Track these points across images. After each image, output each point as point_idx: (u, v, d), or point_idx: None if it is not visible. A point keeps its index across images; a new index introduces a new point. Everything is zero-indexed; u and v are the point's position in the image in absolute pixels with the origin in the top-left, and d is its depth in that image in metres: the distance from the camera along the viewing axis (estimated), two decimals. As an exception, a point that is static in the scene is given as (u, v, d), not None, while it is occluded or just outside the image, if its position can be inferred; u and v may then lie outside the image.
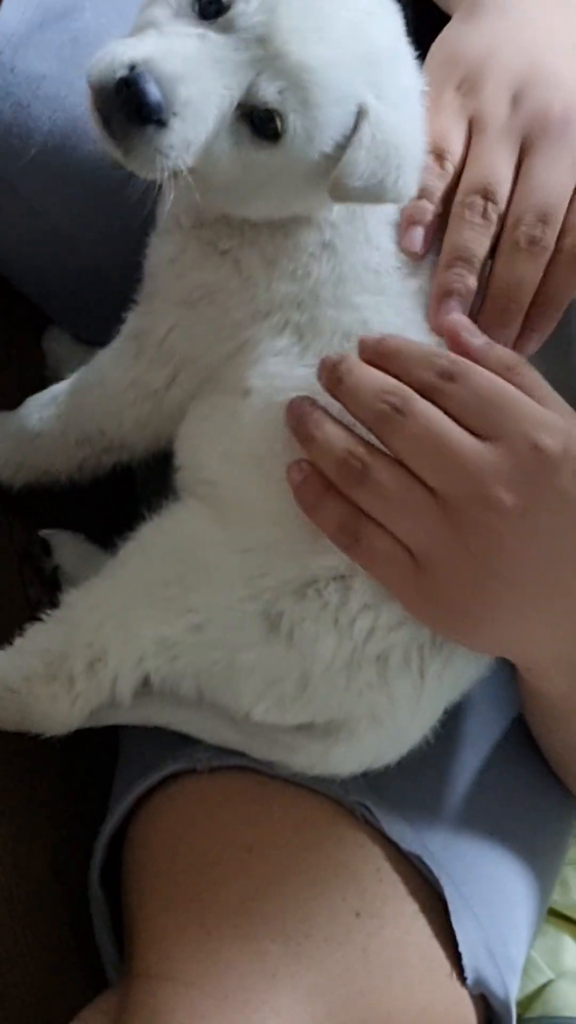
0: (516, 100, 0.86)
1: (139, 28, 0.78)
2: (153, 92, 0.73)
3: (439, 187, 0.85)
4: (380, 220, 0.86)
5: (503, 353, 0.80)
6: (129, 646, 0.86)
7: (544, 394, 0.80)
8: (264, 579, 0.83)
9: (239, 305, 0.86)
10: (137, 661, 0.86)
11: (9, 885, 0.93)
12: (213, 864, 0.87)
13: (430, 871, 0.88)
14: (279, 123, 0.77)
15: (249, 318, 0.85)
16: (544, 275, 0.83)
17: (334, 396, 0.81)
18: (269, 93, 0.76)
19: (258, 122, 0.77)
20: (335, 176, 0.78)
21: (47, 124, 0.96)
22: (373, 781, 0.90)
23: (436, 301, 0.83)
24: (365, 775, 0.89)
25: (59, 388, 0.97)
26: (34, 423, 0.97)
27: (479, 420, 0.77)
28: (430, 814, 0.92)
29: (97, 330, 0.97)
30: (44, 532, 1.02)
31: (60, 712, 0.88)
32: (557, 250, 0.83)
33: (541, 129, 0.85)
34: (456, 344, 0.81)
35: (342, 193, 0.79)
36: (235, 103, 0.76)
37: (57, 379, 1.03)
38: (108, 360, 0.93)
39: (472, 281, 0.82)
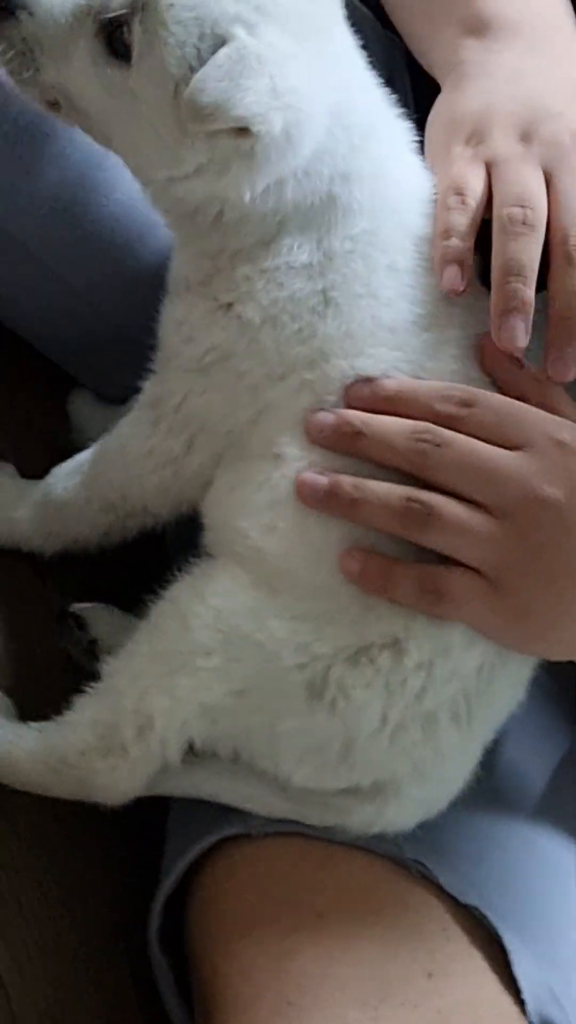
0: (525, 137, 0.87)
1: None
2: None
3: (463, 222, 0.84)
4: (383, 270, 0.85)
5: (529, 369, 0.84)
6: (173, 711, 0.86)
7: (568, 410, 0.85)
8: (315, 647, 0.83)
9: (252, 369, 0.86)
10: (181, 725, 0.87)
11: (71, 940, 0.95)
12: (287, 933, 0.87)
13: (490, 922, 0.89)
14: (127, 37, 0.79)
15: (265, 381, 0.86)
16: None
17: (353, 452, 0.82)
18: (119, 4, 0.79)
19: (112, 38, 0.80)
20: (187, 91, 0.77)
21: (55, 181, 0.99)
22: (423, 831, 0.90)
23: (496, 319, 0.82)
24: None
25: (82, 457, 0.99)
26: (59, 492, 0.99)
27: (503, 434, 0.82)
28: (482, 856, 0.93)
29: (122, 389, 0.99)
30: (76, 607, 1.03)
31: (120, 782, 0.89)
32: None
33: (559, 155, 0.86)
34: (493, 360, 0.84)
35: (192, 109, 0.77)
36: (93, 9, 0.80)
37: (82, 442, 1.05)
38: (127, 428, 0.94)
39: (529, 294, 0.82)
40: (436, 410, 0.82)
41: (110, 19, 0.79)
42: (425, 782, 0.87)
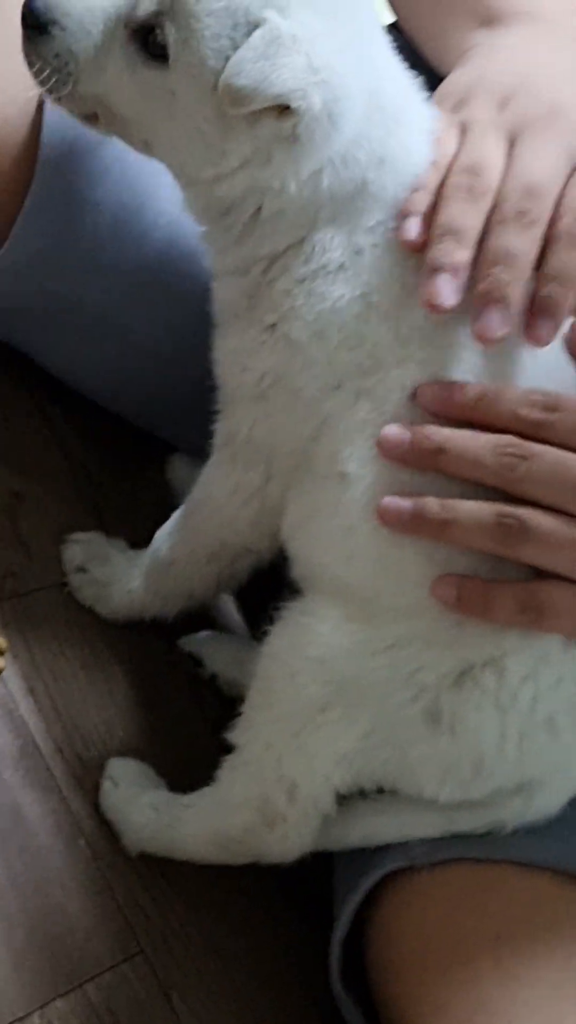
0: (502, 104, 0.85)
1: None
2: (38, 3, 0.80)
3: (433, 180, 0.82)
4: (412, 263, 0.82)
5: None
6: (313, 770, 0.87)
7: None
8: (421, 675, 0.82)
9: (307, 384, 0.85)
10: (324, 779, 0.87)
11: (255, 999, 0.94)
12: (469, 959, 0.85)
13: None
14: (161, 38, 0.79)
15: (320, 394, 0.84)
16: (546, 257, 0.80)
17: (434, 468, 0.80)
18: (148, 8, 0.79)
19: (145, 40, 0.79)
20: (223, 75, 0.76)
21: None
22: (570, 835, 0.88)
23: (423, 277, 0.79)
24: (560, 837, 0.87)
25: (178, 513, 0.99)
26: (165, 553, 1.00)
27: None
28: None
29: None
30: (182, 642, 1.04)
31: (288, 846, 0.91)
32: (555, 231, 0.80)
33: (527, 123, 0.83)
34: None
35: (231, 92, 0.76)
36: (122, 18, 0.80)
37: None
38: (209, 474, 0.95)
39: (461, 255, 0.79)
40: (521, 417, 0.79)
41: (141, 23, 0.79)
42: (564, 772, 0.86)
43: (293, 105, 0.76)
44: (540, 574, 0.80)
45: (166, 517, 1.03)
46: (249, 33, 0.76)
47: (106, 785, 0.97)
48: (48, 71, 0.82)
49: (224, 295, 0.89)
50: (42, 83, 0.82)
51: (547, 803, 0.87)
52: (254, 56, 0.75)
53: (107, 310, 1.05)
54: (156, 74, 0.80)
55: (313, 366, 0.84)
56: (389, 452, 0.81)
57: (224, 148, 0.80)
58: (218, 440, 0.92)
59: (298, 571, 0.89)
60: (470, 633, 0.81)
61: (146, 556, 1.02)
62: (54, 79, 0.82)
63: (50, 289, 1.03)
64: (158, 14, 0.78)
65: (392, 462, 0.81)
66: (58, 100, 0.84)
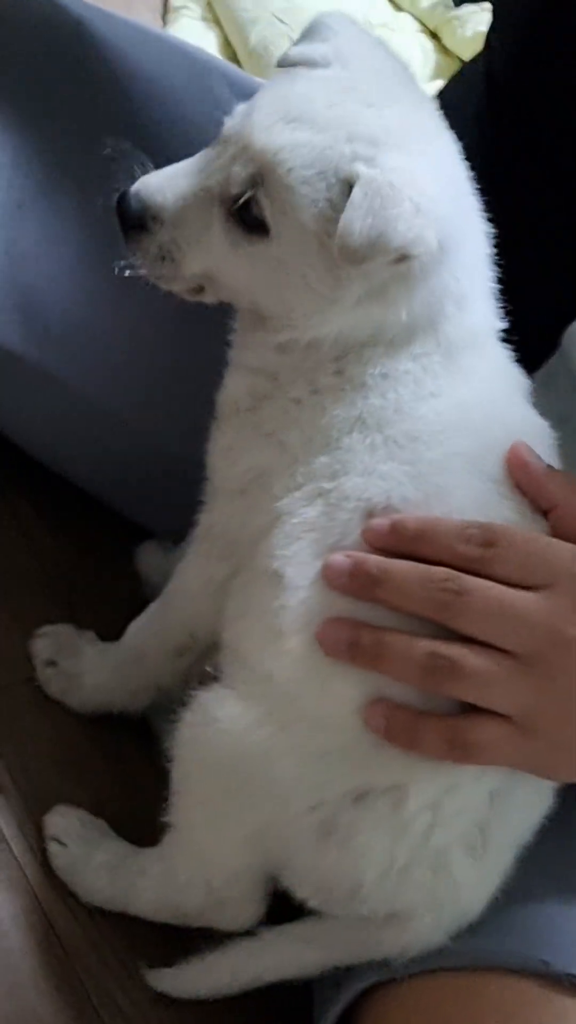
0: None
1: None
2: (131, 202, 0.83)
3: None
4: (425, 398, 0.83)
5: (562, 477, 0.82)
6: (230, 853, 0.87)
7: None
8: (325, 789, 0.81)
9: (280, 480, 0.85)
10: (242, 862, 0.88)
11: None
12: None
13: None
14: (257, 211, 0.80)
15: (284, 490, 0.85)
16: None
17: (371, 599, 0.79)
18: (238, 180, 0.80)
19: (244, 216, 0.81)
20: (336, 241, 0.77)
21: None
22: (566, 938, 0.86)
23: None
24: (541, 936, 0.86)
25: (152, 606, 0.99)
26: (136, 646, 0.99)
27: (527, 575, 0.79)
28: None
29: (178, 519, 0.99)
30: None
31: (243, 920, 0.91)
32: None
33: None
34: (521, 466, 0.81)
35: (348, 254, 0.77)
36: (218, 202, 0.82)
37: (155, 595, 1.03)
38: (185, 565, 0.94)
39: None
40: (457, 552, 0.79)
41: (235, 200, 0.81)
42: (442, 909, 0.84)
43: (413, 253, 0.78)
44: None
45: (137, 608, 1.02)
46: (344, 191, 0.77)
47: (53, 847, 0.96)
48: (155, 263, 0.84)
49: (234, 389, 0.89)
50: (151, 275, 0.85)
51: (419, 941, 0.84)
52: (361, 214, 0.76)
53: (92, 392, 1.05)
54: (259, 246, 0.81)
55: (294, 465, 0.84)
56: (331, 580, 0.80)
57: (335, 298, 0.81)
58: (198, 532, 0.92)
59: (225, 661, 0.88)
60: (384, 756, 0.80)
61: (117, 649, 1.01)
62: (158, 267, 0.85)
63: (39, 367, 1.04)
64: (251, 188, 0.80)
65: (334, 590, 0.80)
66: (167, 284, 0.86)
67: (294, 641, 0.82)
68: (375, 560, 0.79)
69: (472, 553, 0.79)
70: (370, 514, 0.81)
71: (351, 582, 0.80)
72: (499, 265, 0.87)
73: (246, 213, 0.81)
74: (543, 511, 0.82)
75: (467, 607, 0.78)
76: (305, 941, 0.89)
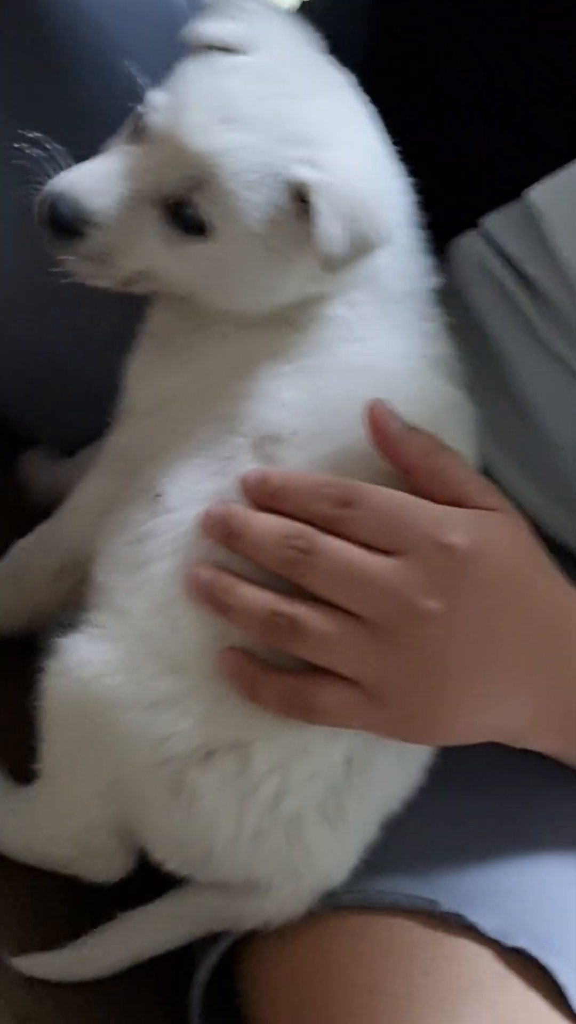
0: None
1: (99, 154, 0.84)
2: (63, 208, 0.81)
3: None
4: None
5: (423, 438, 0.80)
6: (88, 805, 0.87)
7: (462, 479, 0.81)
8: (170, 744, 0.81)
9: (187, 404, 0.86)
10: (98, 815, 0.87)
11: None
12: (343, 1013, 0.83)
13: (540, 960, 0.84)
14: (197, 214, 0.80)
15: (190, 414, 0.85)
16: None
17: (234, 550, 0.80)
18: (175, 187, 0.80)
19: (183, 218, 0.81)
20: (318, 254, 0.79)
21: None
22: (456, 879, 0.87)
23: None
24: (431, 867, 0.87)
25: (44, 524, 0.97)
26: (20, 561, 0.97)
27: (384, 538, 0.78)
28: (522, 890, 0.88)
29: (79, 435, 0.99)
30: None
31: (112, 872, 0.91)
32: None
33: None
34: (376, 426, 0.80)
35: (333, 264, 0.79)
36: (151, 204, 0.81)
37: (40, 504, 1.04)
38: (83, 482, 0.93)
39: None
40: (312, 509, 0.79)
41: (171, 202, 0.81)
42: (300, 879, 0.84)
43: (385, 244, 0.81)
44: None
45: (15, 526, 1.00)
46: (289, 193, 0.79)
47: None
48: (86, 265, 0.83)
49: (161, 323, 0.90)
50: (80, 275, 0.84)
51: (281, 910, 0.85)
52: (336, 224, 0.78)
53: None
54: (198, 246, 0.82)
55: (202, 391, 0.85)
56: (204, 527, 0.81)
57: (278, 285, 0.83)
58: (103, 452, 0.92)
59: (91, 601, 0.87)
60: (227, 710, 0.80)
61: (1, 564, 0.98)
62: (92, 268, 0.84)
63: None
64: (188, 192, 0.80)
65: (206, 536, 0.81)
66: (96, 282, 0.85)
67: (155, 568, 0.82)
68: (240, 511, 0.80)
69: (328, 512, 0.78)
70: (260, 443, 0.82)
71: (218, 530, 0.80)
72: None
73: (183, 214, 0.81)
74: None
75: (314, 566, 0.78)
76: (173, 917, 0.89)
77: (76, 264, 0.84)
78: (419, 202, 0.88)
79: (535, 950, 0.84)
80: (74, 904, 0.91)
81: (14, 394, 1.07)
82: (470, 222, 0.95)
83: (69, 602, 0.93)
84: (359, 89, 0.86)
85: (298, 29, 0.86)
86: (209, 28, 0.83)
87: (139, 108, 0.82)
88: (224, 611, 0.79)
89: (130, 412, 0.90)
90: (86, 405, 1.00)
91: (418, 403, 0.83)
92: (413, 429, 0.80)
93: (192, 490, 0.82)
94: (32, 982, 0.90)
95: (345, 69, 0.86)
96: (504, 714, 0.83)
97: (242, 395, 0.83)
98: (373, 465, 0.80)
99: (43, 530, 0.96)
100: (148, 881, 0.90)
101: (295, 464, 0.82)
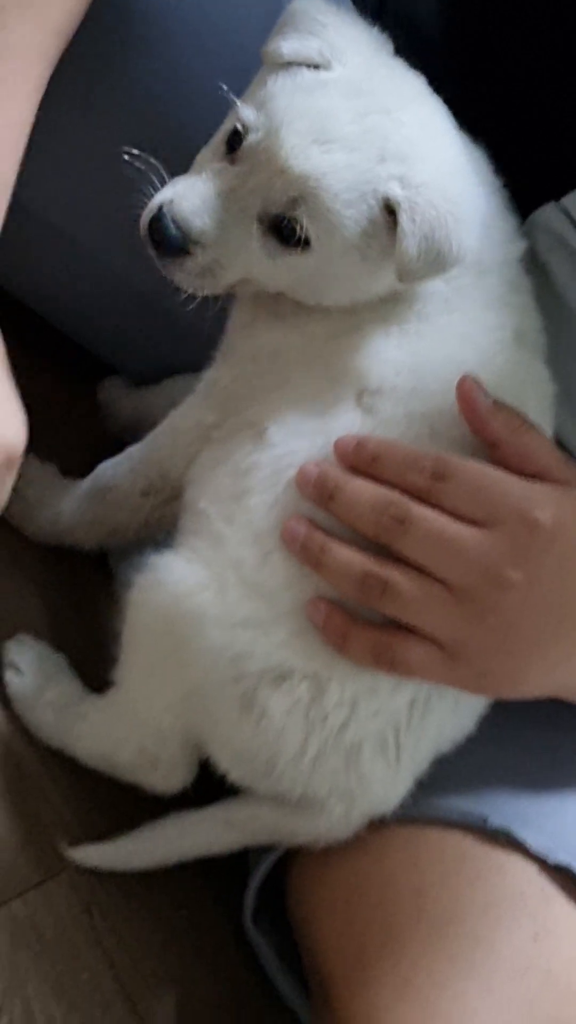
0: None
1: (192, 169, 0.87)
2: (170, 229, 0.84)
3: None
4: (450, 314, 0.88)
5: (510, 415, 0.83)
6: (160, 715, 0.91)
7: (544, 453, 0.84)
8: (247, 662, 0.85)
9: (292, 356, 0.89)
10: (169, 725, 0.91)
11: (170, 918, 0.99)
12: (392, 913, 0.89)
13: None
14: (299, 230, 0.83)
15: (295, 363, 0.88)
16: None
17: (326, 511, 0.83)
18: (279, 206, 0.83)
19: (283, 232, 0.84)
20: (397, 267, 0.82)
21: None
22: (505, 798, 0.92)
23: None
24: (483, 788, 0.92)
25: (132, 448, 1.01)
26: (107, 479, 1.01)
27: (474, 511, 0.81)
28: (566, 810, 0.94)
29: (156, 365, 1.01)
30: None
31: (172, 783, 0.95)
32: None
33: None
34: (466, 401, 0.83)
35: (410, 277, 0.83)
36: (255, 221, 0.84)
37: (116, 430, 1.10)
38: (179, 410, 0.96)
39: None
40: (408, 480, 0.82)
41: (274, 219, 0.84)
42: (353, 803, 0.89)
43: (461, 259, 0.84)
44: None
45: (99, 446, 1.04)
46: (382, 208, 0.82)
47: (8, 674, 0.99)
48: (195, 279, 0.86)
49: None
50: (188, 288, 0.87)
51: (332, 830, 0.90)
52: (416, 241, 0.81)
53: (93, 241, 1.04)
54: (299, 258, 0.85)
55: (306, 346, 0.88)
56: (300, 486, 0.84)
57: (370, 288, 0.87)
58: (202, 384, 0.95)
59: (183, 525, 0.92)
60: (306, 642, 0.84)
61: (84, 482, 1.03)
62: (200, 282, 0.87)
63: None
64: (289, 208, 0.83)
65: (301, 495, 0.84)
66: (203, 293, 0.88)
67: (253, 500, 0.86)
68: (336, 474, 0.83)
69: (422, 483, 0.82)
70: (361, 394, 0.85)
71: (314, 490, 0.83)
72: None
73: (283, 229, 0.84)
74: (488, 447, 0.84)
75: (407, 534, 0.81)
76: (226, 823, 0.93)
77: (182, 279, 0.87)
78: (505, 170, 0.91)
79: None
80: (129, 800, 0.96)
81: (101, 323, 1.11)
82: (554, 193, 0.97)
83: (150, 521, 0.98)
84: (431, 86, 0.89)
85: (371, 37, 0.87)
86: (291, 45, 0.84)
87: (232, 124, 0.85)
88: (318, 567, 0.83)
89: (232, 355, 0.93)
90: (168, 340, 1.04)
91: (506, 376, 0.86)
92: (500, 405, 0.83)
93: (295, 430, 0.86)
94: (98, 871, 0.96)
95: (416, 69, 0.88)
96: (568, 674, 0.86)
97: (348, 350, 0.86)
98: (464, 426, 0.83)
99: (134, 452, 1.00)
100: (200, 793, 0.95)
101: (392, 417, 0.85)
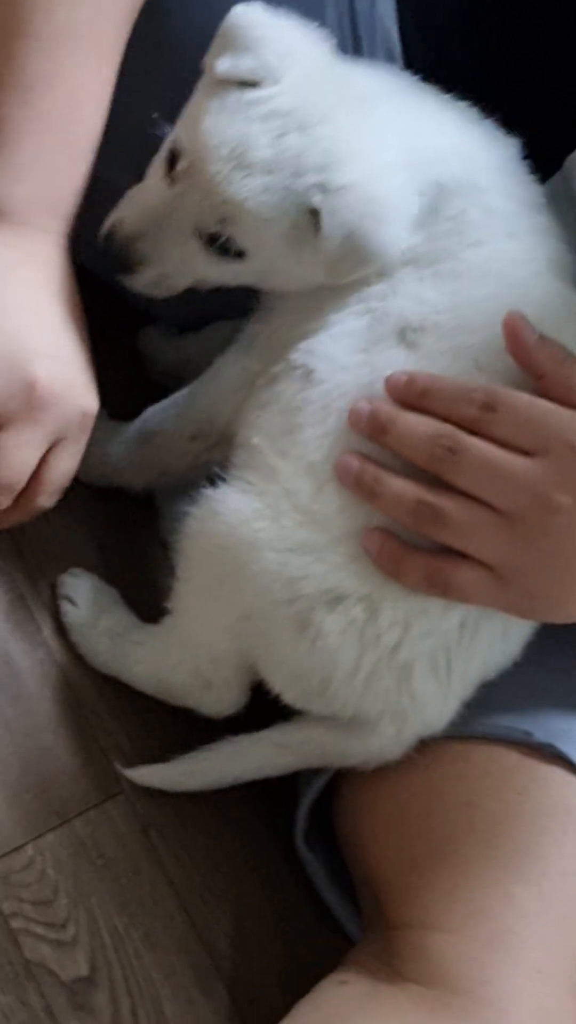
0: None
1: (145, 178, 0.94)
2: (116, 253, 0.93)
3: None
4: (468, 246, 0.91)
5: (554, 348, 0.85)
6: (214, 638, 0.95)
7: None
8: (301, 584, 0.88)
9: (333, 301, 0.92)
10: (224, 648, 0.95)
11: (224, 836, 1.03)
12: (442, 823, 0.93)
13: None
14: (233, 244, 0.90)
15: (336, 309, 0.92)
16: None
17: (380, 443, 0.87)
18: (212, 226, 0.90)
19: (220, 245, 0.90)
20: (323, 266, 0.88)
21: None
22: (549, 718, 0.95)
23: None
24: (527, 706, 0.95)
25: (178, 393, 1.05)
26: (154, 423, 1.05)
27: (523, 440, 0.84)
28: None
29: (194, 314, 1.05)
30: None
31: (224, 705, 0.99)
32: None
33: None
34: (513, 336, 0.85)
35: (337, 275, 0.89)
36: (194, 237, 0.91)
37: (156, 374, 1.14)
38: (224, 358, 1.00)
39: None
40: (459, 411, 0.85)
41: (209, 235, 0.90)
42: (404, 722, 0.92)
43: (388, 253, 0.88)
44: None
45: (141, 391, 1.08)
46: (308, 217, 0.87)
47: (65, 606, 1.03)
48: (149, 289, 0.95)
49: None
50: (147, 298, 0.95)
51: (384, 750, 0.93)
52: (337, 242, 0.87)
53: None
54: (240, 265, 0.92)
55: (345, 293, 0.92)
56: (352, 423, 0.88)
57: (315, 275, 0.91)
58: (247, 334, 1.00)
59: (236, 459, 0.95)
60: (360, 567, 0.87)
61: (132, 425, 1.07)
62: (157, 290, 0.95)
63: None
64: (220, 226, 0.89)
65: (357, 431, 0.88)
66: (164, 296, 0.96)
67: (306, 434, 0.89)
68: (387, 409, 0.87)
69: (472, 414, 0.85)
70: (403, 332, 0.89)
71: (367, 426, 0.87)
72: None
73: (220, 243, 0.90)
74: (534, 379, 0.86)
75: (459, 463, 0.84)
76: (279, 746, 0.97)
77: (140, 288, 0.94)
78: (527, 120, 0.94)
79: None
80: (182, 726, 1.01)
81: None
82: None
83: (197, 464, 1.02)
84: (393, 83, 0.93)
85: (312, 43, 0.91)
86: (224, 64, 0.88)
87: (169, 144, 0.91)
88: (372, 497, 0.86)
89: (272, 307, 0.97)
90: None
91: (545, 308, 0.88)
92: (545, 339, 0.85)
93: (341, 364, 0.90)
94: (153, 792, 1.01)
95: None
96: None
97: (387, 295, 0.90)
98: (508, 359, 0.86)
99: (180, 398, 1.04)
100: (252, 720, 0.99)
101: (438, 351, 0.88)
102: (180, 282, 0.94)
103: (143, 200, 0.93)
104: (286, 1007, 0.90)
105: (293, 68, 0.88)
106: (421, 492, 0.85)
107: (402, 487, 0.86)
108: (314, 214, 0.87)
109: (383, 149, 0.89)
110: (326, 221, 0.86)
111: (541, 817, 0.92)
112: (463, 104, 0.94)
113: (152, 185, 0.93)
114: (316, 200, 0.86)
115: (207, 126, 0.88)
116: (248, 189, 0.87)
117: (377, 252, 0.88)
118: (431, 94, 0.95)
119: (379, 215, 0.87)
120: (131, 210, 0.93)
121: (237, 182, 0.87)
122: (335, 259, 0.88)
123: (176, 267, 0.93)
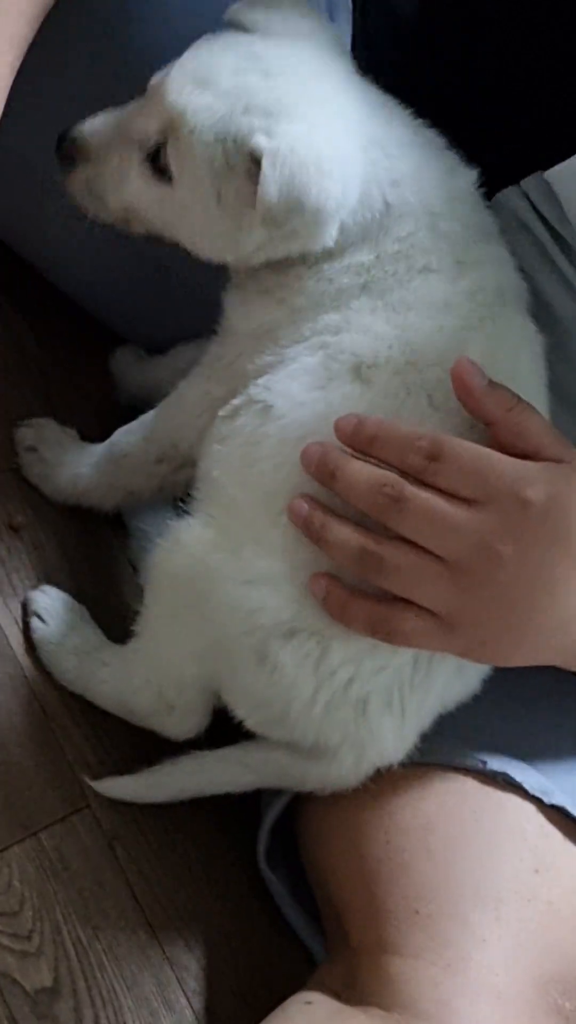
0: None
1: None
2: (64, 139, 0.95)
3: None
4: (418, 271, 0.91)
5: (502, 394, 0.86)
6: (182, 664, 0.96)
7: (538, 432, 0.86)
8: (259, 615, 0.89)
9: (288, 333, 0.94)
10: (191, 675, 0.96)
11: (189, 853, 1.04)
12: (400, 848, 0.93)
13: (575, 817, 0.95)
14: (165, 160, 0.91)
15: (291, 341, 0.93)
16: None
17: (328, 488, 0.88)
18: (150, 129, 0.92)
19: (155, 162, 0.92)
20: (259, 211, 0.87)
21: None
22: (504, 742, 0.97)
23: None
24: (483, 737, 0.97)
25: (146, 415, 1.06)
26: (122, 446, 1.06)
27: (468, 490, 0.84)
28: (559, 751, 0.99)
29: (168, 335, 1.06)
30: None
31: (186, 728, 1.00)
32: None
33: None
34: (461, 383, 0.86)
35: (269, 220, 0.88)
36: (137, 148, 0.93)
37: (126, 398, 1.16)
38: (187, 382, 1.01)
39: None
40: (405, 460, 0.86)
41: (151, 146, 0.92)
42: (363, 752, 0.93)
43: (325, 209, 0.88)
44: None
45: (112, 412, 1.10)
46: (244, 158, 0.88)
47: (34, 622, 1.04)
48: (83, 196, 0.96)
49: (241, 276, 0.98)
50: (82, 206, 0.97)
51: (343, 777, 0.94)
52: (276, 185, 0.86)
53: None
54: (166, 189, 0.93)
55: (299, 324, 0.93)
56: (304, 464, 0.88)
57: (239, 241, 0.92)
58: (207, 357, 1.00)
59: (198, 492, 0.96)
60: (313, 602, 0.88)
61: (101, 447, 1.08)
62: (87, 200, 0.96)
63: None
64: (162, 139, 0.91)
65: (308, 473, 0.88)
66: (95, 215, 0.97)
67: (263, 466, 0.91)
68: (335, 456, 0.87)
69: (417, 464, 0.85)
70: (358, 368, 0.89)
71: (316, 470, 0.88)
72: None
73: (157, 160, 0.92)
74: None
75: (401, 512, 0.85)
76: (241, 764, 0.98)
77: (76, 195, 0.96)
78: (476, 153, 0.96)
79: (573, 809, 0.95)
80: (148, 744, 1.01)
81: (113, 296, 1.17)
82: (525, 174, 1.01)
83: (164, 486, 1.04)
84: (369, 93, 0.95)
85: (323, 32, 0.95)
86: (237, 7, 0.94)
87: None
88: (319, 542, 0.87)
89: (232, 334, 0.97)
90: (177, 307, 1.10)
91: (496, 340, 0.90)
92: (494, 385, 0.85)
93: (299, 400, 0.90)
94: (118, 806, 1.02)
95: (361, 77, 0.95)
96: (560, 644, 0.89)
97: (341, 328, 0.91)
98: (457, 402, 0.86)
99: (146, 421, 1.05)
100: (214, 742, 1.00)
101: (392, 388, 0.89)
102: (113, 196, 0.95)
103: (109, 112, 0.95)
104: (247, 1021, 0.91)
105: (291, 35, 0.92)
106: (365, 540, 0.86)
107: (347, 535, 0.87)
108: (256, 160, 0.87)
109: (336, 120, 0.90)
110: (267, 163, 0.86)
111: (497, 840, 0.94)
112: (431, 131, 0.96)
113: (130, 104, 0.95)
114: (260, 142, 0.87)
115: (196, 47, 0.92)
116: (194, 103, 0.89)
117: (315, 207, 0.87)
118: (405, 115, 0.96)
119: (322, 168, 0.87)
120: (100, 116, 0.95)
121: (186, 93, 0.89)
122: (271, 203, 0.87)
123: (112, 173, 0.94)
